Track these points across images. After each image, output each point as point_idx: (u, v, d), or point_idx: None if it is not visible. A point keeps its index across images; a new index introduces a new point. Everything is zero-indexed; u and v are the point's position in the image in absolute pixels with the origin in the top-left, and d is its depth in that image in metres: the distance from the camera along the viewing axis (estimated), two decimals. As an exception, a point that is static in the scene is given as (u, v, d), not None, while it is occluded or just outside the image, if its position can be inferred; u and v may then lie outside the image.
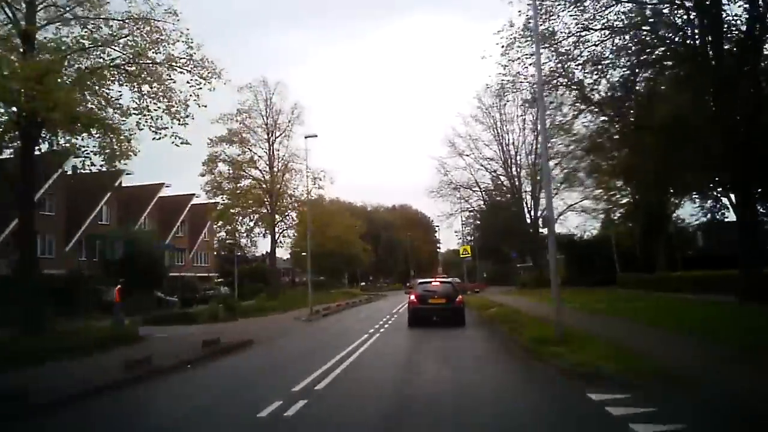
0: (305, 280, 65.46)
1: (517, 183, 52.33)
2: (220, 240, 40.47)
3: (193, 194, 50.55)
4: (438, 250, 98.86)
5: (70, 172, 44.66)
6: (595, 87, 20.06)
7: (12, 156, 16.07)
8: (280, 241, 39.05)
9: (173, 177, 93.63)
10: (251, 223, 37.13)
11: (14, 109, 14.03)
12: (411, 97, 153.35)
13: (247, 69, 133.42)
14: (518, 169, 52.28)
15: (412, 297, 19.37)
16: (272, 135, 37.10)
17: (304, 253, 36.43)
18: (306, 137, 28.57)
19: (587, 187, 45.32)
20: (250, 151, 36.61)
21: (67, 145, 14.98)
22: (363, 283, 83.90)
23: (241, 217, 36.85)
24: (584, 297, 27.33)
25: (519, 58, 20.09)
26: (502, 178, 53.67)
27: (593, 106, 21.86)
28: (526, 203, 52.47)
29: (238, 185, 36.35)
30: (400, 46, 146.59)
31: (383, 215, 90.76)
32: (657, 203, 35.80)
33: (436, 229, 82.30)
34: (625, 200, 39.88)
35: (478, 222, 59.53)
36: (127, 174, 47.71)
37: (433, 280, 22.73)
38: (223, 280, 58.82)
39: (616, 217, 43.09)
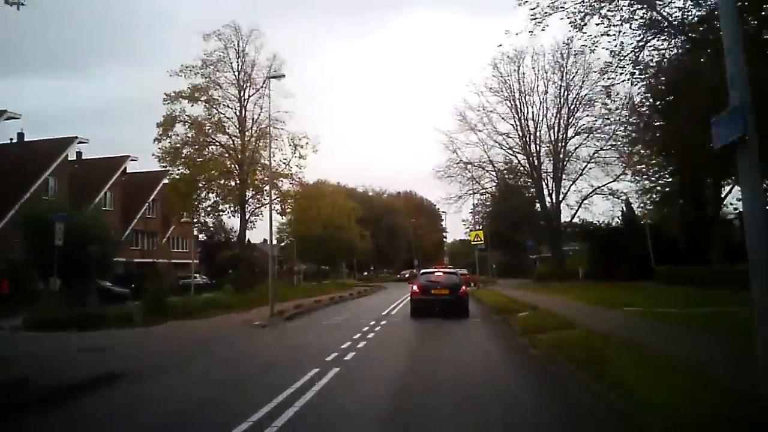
0: (302, 268, 60.16)
1: (536, 162, 45.80)
2: (189, 216, 33.51)
3: (168, 170, 43.72)
4: (444, 239, 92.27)
5: (15, 140, 39.05)
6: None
7: None
8: (253, 222, 32.15)
9: (145, 153, 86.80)
10: (217, 198, 30.40)
11: None
12: (413, 93, 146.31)
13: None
14: (538, 147, 45.80)
15: (415, 287, 19.37)
16: (245, 92, 30.29)
17: (281, 240, 29.87)
18: (269, 77, 22.15)
19: (622, 164, 39.37)
20: (218, 111, 29.87)
21: None
22: (365, 273, 77.61)
23: (205, 191, 30.23)
24: (633, 296, 21.10)
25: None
26: (519, 156, 47.14)
27: (669, 29, 15.35)
28: (546, 185, 46.18)
29: (202, 152, 29.61)
30: (406, 36, 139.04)
31: (385, 201, 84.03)
32: (712, 184, 29.56)
33: (443, 216, 75.79)
34: (663, 181, 33.27)
35: (489, 209, 53.42)
36: (80, 143, 41.75)
37: (436, 270, 22.07)
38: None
39: (648, 201, 36.46)
